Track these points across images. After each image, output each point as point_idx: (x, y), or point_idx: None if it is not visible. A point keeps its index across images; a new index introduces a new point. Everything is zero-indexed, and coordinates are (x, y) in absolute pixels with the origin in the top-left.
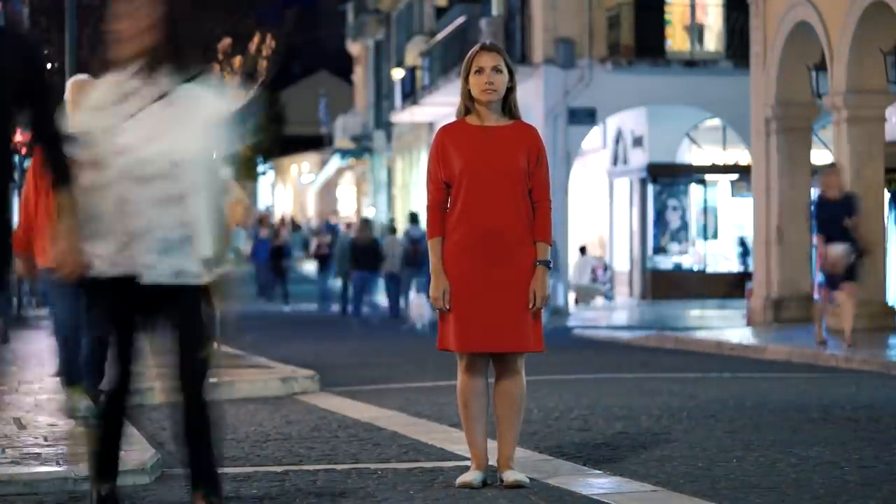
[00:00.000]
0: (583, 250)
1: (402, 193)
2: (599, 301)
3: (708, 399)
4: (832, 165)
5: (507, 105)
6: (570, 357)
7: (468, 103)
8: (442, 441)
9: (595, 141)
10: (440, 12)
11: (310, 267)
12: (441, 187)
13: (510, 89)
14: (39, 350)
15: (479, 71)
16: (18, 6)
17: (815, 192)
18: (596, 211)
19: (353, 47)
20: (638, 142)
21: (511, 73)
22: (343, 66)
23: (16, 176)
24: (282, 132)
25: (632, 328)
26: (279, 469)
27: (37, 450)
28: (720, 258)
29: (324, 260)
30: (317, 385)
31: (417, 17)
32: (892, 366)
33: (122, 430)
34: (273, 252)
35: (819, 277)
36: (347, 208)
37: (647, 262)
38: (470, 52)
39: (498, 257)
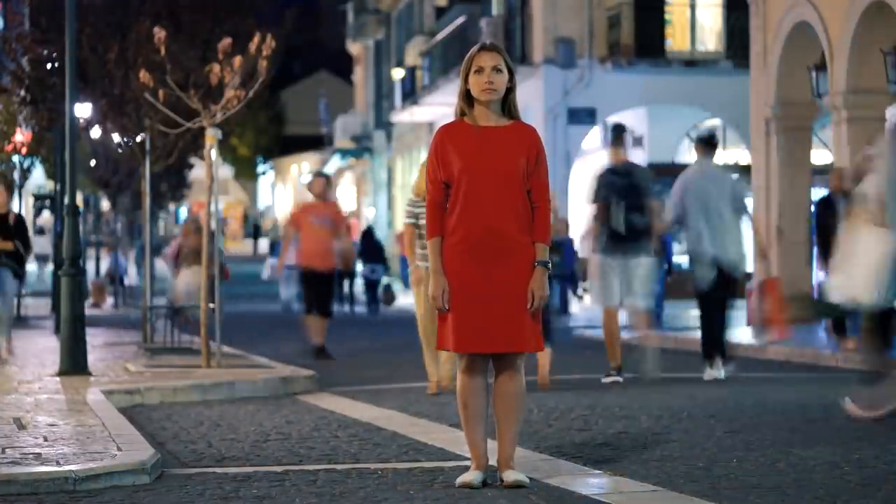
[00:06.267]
0: None
1: (402, 193)
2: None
3: (708, 399)
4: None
5: (507, 105)
6: (570, 357)
7: (467, 103)
8: (442, 441)
9: (595, 141)
10: (440, 12)
11: None
12: (440, 187)
13: (510, 89)
14: (39, 350)
15: (479, 70)
16: (18, 6)
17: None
18: None
19: (353, 47)
20: (638, 142)
21: (511, 73)
22: (343, 66)
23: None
24: (282, 132)
25: (632, 328)
26: (279, 469)
27: (37, 450)
28: None
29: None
30: (317, 385)
31: (417, 17)
32: (891, 365)
33: None
34: None
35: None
36: (347, 208)
37: None
38: (470, 52)
39: (497, 258)
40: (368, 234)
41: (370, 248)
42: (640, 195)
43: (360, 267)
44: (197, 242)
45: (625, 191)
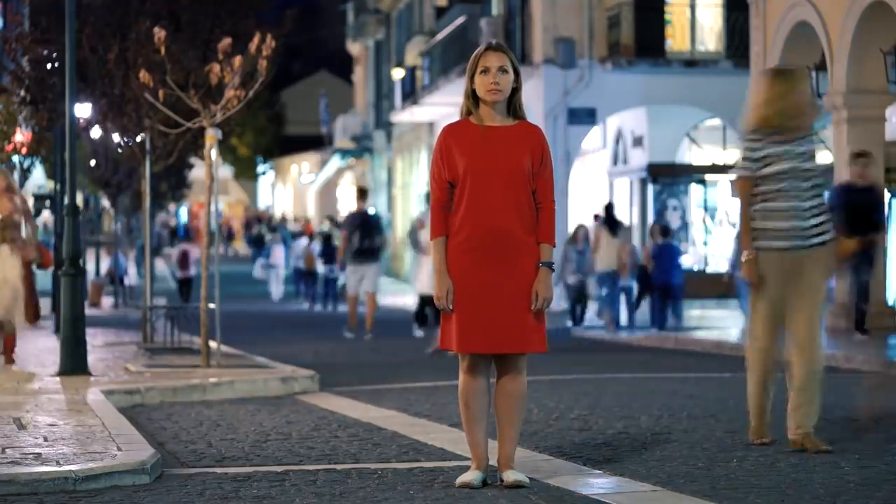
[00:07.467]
0: None
1: (402, 193)
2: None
3: (708, 399)
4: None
5: (512, 105)
6: (570, 357)
7: (473, 103)
8: (442, 441)
9: (595, 141)
10: (440, 12)
11: None
12: (445, 187)
13: (515, 90)
14: (39, 350)
15: (485, 71)
16: (18, 6)
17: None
18: (596, 211)
19: (353, 47)
20: (638, 142)
21: (517, 73)
22: (343, 66)
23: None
24: (282, 132)
25: (632, 328)
26: (279, 469)
27: (37, 450)
28: (720, 258)
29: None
30: (317, 385)
31: (417, 17)
32: (892, 366)
33: None
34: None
35: None
36: (347, 208)
37: None
38: (476, 52)
39: (501, 258)
40: (328, 238)
41: (329, 250)
42: (373, 229)
43: (321, 268)
44: (7, 209)
45: (365, 226)
